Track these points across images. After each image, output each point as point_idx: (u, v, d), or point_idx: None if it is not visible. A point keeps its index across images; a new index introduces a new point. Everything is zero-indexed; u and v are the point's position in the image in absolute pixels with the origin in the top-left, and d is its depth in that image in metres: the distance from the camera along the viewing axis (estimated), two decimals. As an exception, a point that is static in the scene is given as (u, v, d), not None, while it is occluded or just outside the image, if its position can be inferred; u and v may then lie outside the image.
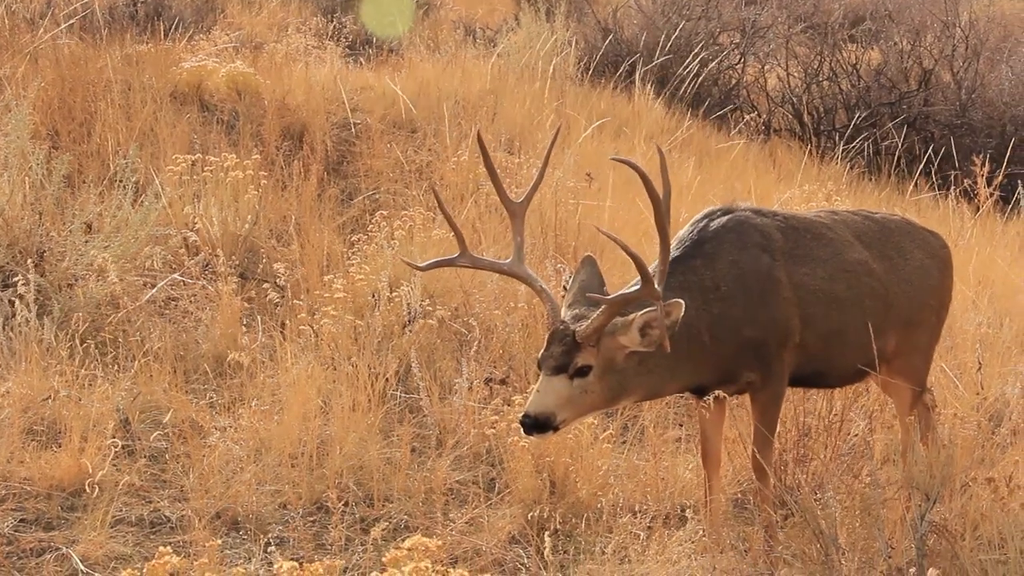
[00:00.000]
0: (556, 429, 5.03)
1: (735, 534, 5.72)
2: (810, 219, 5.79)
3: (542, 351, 5.06)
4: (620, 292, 5.03)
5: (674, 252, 5.32)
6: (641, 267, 4.89)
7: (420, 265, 5.63)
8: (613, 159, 5.48)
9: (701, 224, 5.48)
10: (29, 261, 6.76)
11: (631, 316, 4.98)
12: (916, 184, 12.35)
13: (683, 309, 4.91)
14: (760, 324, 5.38)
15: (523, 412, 5.00)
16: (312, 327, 6.84)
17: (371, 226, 7.94)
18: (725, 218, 5.49)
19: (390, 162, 10.20)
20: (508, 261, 5.39)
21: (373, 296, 7.15)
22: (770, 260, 5.43)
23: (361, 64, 13.94)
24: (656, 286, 4.96)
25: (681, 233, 5.52)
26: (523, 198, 5.46)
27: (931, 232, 6.18)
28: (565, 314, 5.12)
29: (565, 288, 5.62)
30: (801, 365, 5.56)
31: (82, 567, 5.14)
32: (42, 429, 5.98)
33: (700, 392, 5.52)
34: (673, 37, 14.85)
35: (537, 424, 4.96)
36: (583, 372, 5.00)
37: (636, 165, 5.04)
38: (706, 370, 5.37)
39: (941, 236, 6.22)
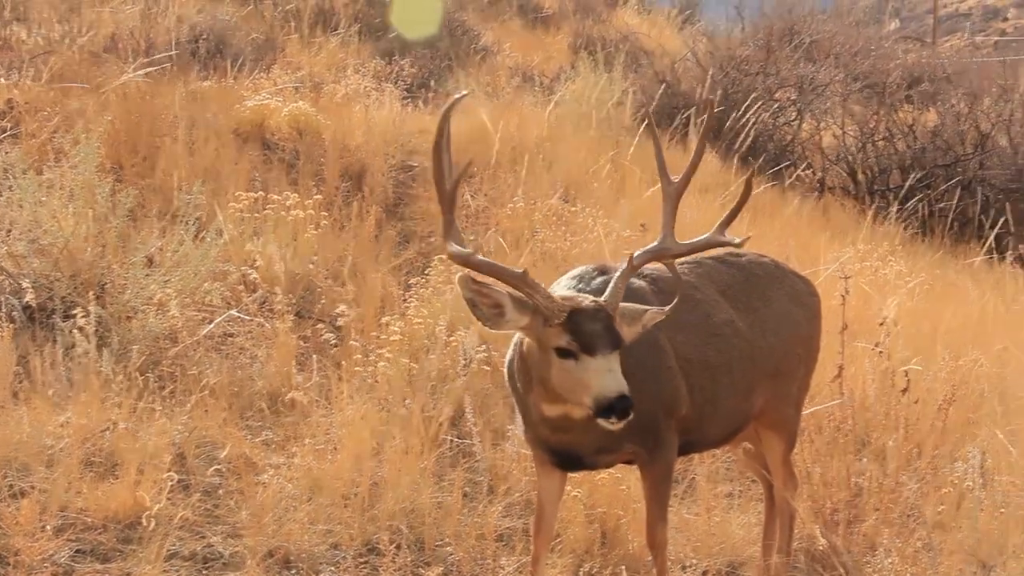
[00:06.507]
0: None
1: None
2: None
3: (582, 333, 4.59)
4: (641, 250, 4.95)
5: None
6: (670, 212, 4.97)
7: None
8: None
9: (578, 287, 5.04)
10: (91, 293, 6.81)
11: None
12: (970, 247, 12.32)
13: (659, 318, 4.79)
14: (649, 396, 4.93)
15: (618, 393, 4.49)
16: (367, 368, 6.87)
17: (429, 269, 7.96)
18: (601, 279, 5.03)
19: (446, 206, 10.23)
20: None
21: (427, 339, 7.17)
22: (654, 328, 4.94)
23: (419, 107, 14.03)
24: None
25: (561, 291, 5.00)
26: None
27: (801, 278, 5.89)
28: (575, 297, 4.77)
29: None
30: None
31: (137, 600, 5.17)
32: (99, 460, 6.01)
33: (572, 464, 5.13)
34: (730, 91, 14.92)
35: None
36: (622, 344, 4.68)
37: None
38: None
39: (811, 283, 5.93)
